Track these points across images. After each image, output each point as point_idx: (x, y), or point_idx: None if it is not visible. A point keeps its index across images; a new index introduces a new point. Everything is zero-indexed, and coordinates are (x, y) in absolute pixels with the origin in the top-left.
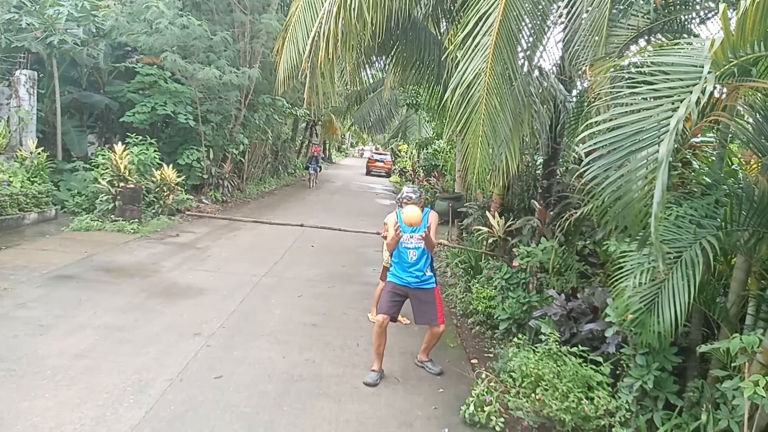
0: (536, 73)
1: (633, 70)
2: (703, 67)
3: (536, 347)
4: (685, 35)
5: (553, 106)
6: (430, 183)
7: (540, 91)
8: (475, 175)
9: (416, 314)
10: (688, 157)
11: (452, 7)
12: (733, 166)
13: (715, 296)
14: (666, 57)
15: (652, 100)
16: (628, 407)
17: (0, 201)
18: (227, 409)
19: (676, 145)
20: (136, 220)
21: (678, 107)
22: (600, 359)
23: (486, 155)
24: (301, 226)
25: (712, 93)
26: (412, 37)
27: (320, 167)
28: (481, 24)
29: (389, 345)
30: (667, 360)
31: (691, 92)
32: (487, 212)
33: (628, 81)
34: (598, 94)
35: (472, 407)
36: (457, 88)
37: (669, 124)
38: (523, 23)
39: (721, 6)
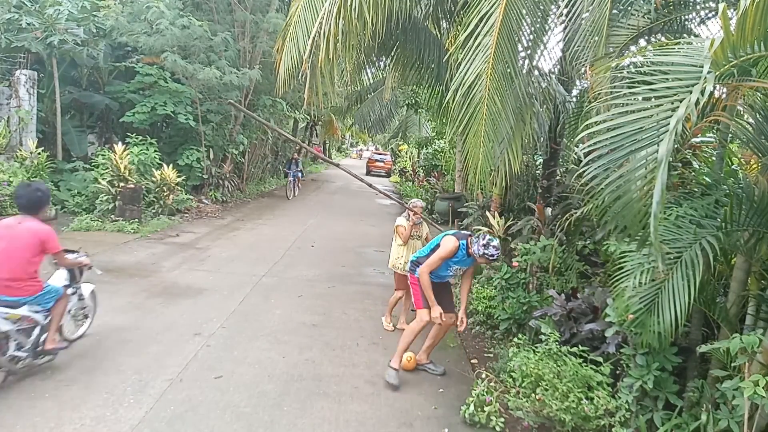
0: (536, 73)
1: (633, 70)
2: (702, 67)
3: (536, 347)
4: (686, 35)
5: (553, 107)
6: (430, 183)
7: (540, 90)
8: (476, 176)
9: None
10: (688, 157)
11: (452, 8)
12: (733, 166)
13: (715, 296)
14: (666, 57)
15: (653, 99)
16: (628, 407)
17: (0, 201)
18: (227, 408)
19: (676, 145)
20: (136, 220)
21: (678, 107)
22: (600, 359)
23: (488, 155)
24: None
25: (712, 93)
26: (413, 38)
27: (302, 172)
28: (482, 25)
29: (390, 345)
30: (667, 360)
31: (690, 92)
32: (487, 212)
33: (627, 81)
34: (598, 94)
35: (472, 407)
36: (458, 88)
37: (668, 124)
38: (524, 24)
39: (721, 6)
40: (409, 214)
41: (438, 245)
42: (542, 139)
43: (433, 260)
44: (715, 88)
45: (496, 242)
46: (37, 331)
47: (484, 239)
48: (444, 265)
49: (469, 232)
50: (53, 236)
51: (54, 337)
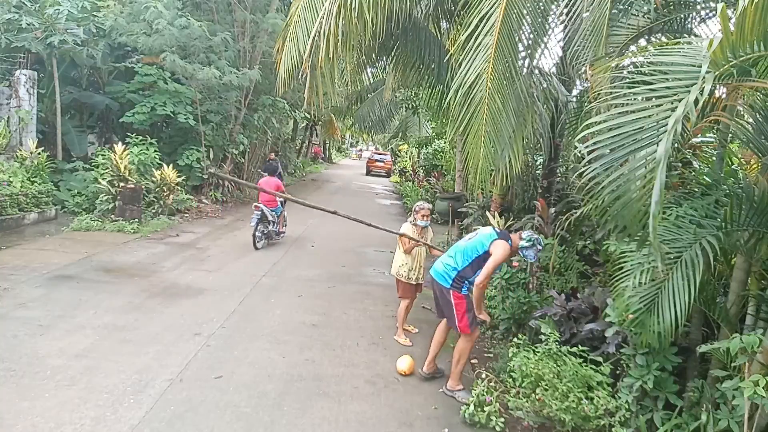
0: (536, 72)
1: (633, 70)
2: (701, 67)
3: (536, 347)
4: (686, 35)
5: (554, 106)
6: (430, 183)
7: (541, 90)
8: (477, 176)
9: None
10: (688, 157)
11: (453, 8)
12: (733, 166)
13: (715, 296)
14: (665, 57)
15: (654, 99)
16: (628, 407)
17: (0, 201)
18: (227, 409)
19: (675, 145)
20: (136, 220)
21: (676, 107)
22: (600, 359)
23: (488, 155)
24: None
25: (712, 93)
26: (413, 37)
27: (280, 175)
28: (482, 24)
29: (390, 345)
30: (667, 360)
31: (689, 92)
32: (487, 212)
33: (627, 81)
34: (599, 94)
35: (472, 407)
36: (459, 89)
37: (667, 124)
38: (524, 23)
39: (720, 5)
40: (415, 218)
41: (487, 252)
42: (546, 138)
43: (491, 269)
44: (715, 87)
45: (536, 237)
46: (276, 224)
47: (540, 245)
48: None
49: (504, 231)
50: (281, 183)
51: (280, 227)
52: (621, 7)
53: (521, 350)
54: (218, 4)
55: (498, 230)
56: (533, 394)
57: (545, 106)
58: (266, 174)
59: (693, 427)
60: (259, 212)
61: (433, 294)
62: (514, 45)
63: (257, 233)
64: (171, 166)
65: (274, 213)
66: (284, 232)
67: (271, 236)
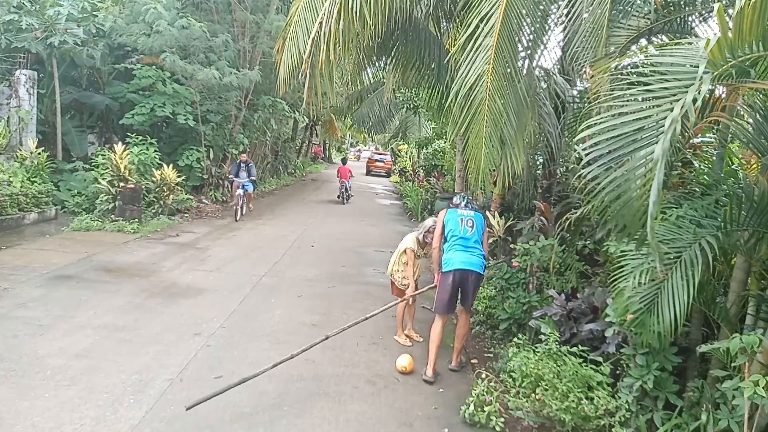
0: (537, 72)
1: (632, 71)
2: (699, 67)
3: (536, 347)
4: (686, 35)
5: (558, 105)
6: (430, 183)
7: (545, 88)
8: (477, 176)
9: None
10: (689, 157)
11: (452, 8)
12: (733, 166)
13: (715, 296)
14: (664, 57)
15: (652, 99)
16: (628, 407)
17: (0, 201)
18: (227, 409)
19: (677, 145)
20: (136, 220)
21: (674, 107)
22: (600, 359)
23: (489, 156)
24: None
25: (712, 93)
26: (413, 37)
27: (254, 182)
28: (482, 25)
29: (390, 345)
30: (667, 360)
31: (687, 92)
32: (487, 212)
33: (627, 82)
34: (599, 94)
35: (472, 407)
36: (459, 90)
37: (665, 125)
38: (524, 24)
39: (717, 5)
40: (424, 234)
41: (484, 227)
42: (554, 138)
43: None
44: (714, 88)
45: (460, 194)
46: (349, 190)
47: (460, 196)
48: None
49: (468, 203)
50: (350, 170)
51: (350, 193)
52: (621, 8)
53: (521, 350)
54: (218, 5)
55: (467, 205)
56: (533, 394)
57: (550, 104)
58: (342, 164)
59: (693, 427)
60: (343, 186)
61: (453, 287)
62: (514, 46)
63: (343, 197)
64: (171, 166)
65: (348, 185)
66: (353, 195)
67: (348, 197)
